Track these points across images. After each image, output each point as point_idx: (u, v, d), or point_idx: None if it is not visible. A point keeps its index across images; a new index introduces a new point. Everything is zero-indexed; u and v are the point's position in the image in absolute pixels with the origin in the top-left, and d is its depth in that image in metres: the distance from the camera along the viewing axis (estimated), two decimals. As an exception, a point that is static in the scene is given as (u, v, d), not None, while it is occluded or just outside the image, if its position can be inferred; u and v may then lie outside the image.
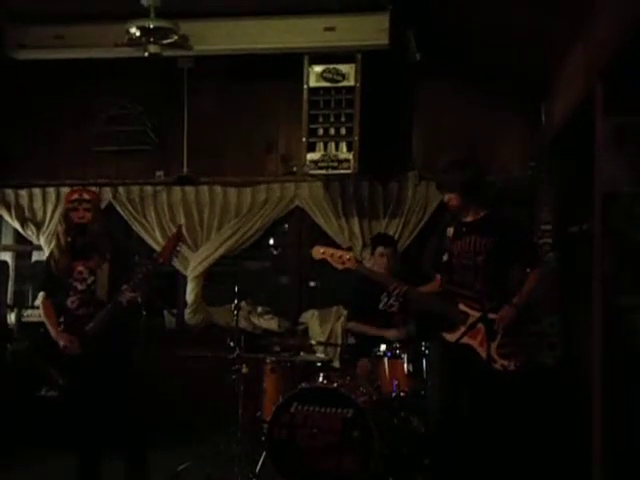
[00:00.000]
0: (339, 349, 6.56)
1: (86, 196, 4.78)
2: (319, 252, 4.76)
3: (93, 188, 6.68)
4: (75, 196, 4.77)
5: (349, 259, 4.66)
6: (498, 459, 4.42)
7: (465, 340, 4.36)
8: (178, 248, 4.80)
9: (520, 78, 6.07)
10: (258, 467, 5.18)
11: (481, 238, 4.51)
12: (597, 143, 3.96)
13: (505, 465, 4.53)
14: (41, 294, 4.93)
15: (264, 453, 5.14)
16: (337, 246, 6.08)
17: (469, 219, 4.62)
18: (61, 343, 4.64)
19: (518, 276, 4.50)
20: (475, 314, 4.40)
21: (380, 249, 5.89)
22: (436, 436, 4.63)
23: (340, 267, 4.68)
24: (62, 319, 4.76)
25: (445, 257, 4.63)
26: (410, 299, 4.65)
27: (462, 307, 4.51)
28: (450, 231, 4.63)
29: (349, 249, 5.13)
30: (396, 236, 6.62)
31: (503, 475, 4.57)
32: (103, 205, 7.00)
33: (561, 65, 5.23)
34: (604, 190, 3.90)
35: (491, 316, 4.31)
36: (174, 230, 6.93)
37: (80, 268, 4.73)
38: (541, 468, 5.05)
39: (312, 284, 7.15)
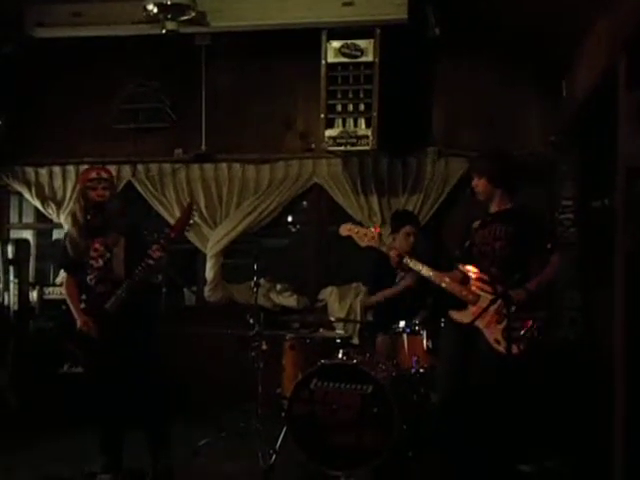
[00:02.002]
0: (358, 325, 6.58)
1: (104, 175, 4.79)
2: (345, 229, 4.90)
3: (112, 167, 6.72)
4: (94, 175, 4.78)
5: (373, 237, 4.79)
6: (505, 441, 4.44)
7: (472, 319, 4.42)
8: (190, 222, 4.81)
9: (541, 53, 6.00)
10: (278, 443, 5.21)
11: (502, 226, 4.58)
12: (620, 117, 3.91)
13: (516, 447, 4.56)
14: (63, 273, 4.96)
15: (284, 429, 5.17)
16: (357, 224, 6.28)
17: (493, 210, 4.69)
18: (78, 323, 4.67)
19: (538, 260, 4.51)
20: (486, 296, 4.43)
21: (407, 228, 5.86)
22: (443, 414, 4.67)
23: (363, 244, 4.81)
24: (84, 297, 4.79)
25: (467, 244, 4.68)
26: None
27: (474, 288, 4.54)
28: (476, 224, 4.70)
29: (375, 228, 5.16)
30: (415, 212, 6.60)
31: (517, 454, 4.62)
32: (122, 183, 7.06)
33: (583, 39, 5.16)
34: (627, 164, 3.85)
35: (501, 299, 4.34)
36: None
37: (97, 245, 4.74)
38: (562, 446, 5.08)
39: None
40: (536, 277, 4.45)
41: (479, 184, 4.68)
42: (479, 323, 4.45)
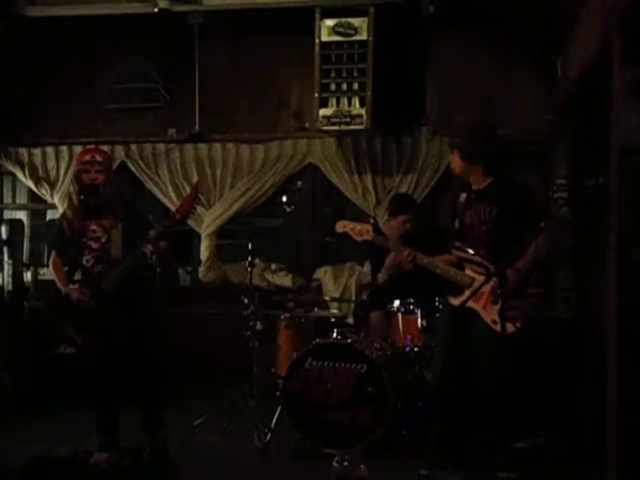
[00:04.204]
0: (353, 305, 6.59)
1: (98, 157, 4.78)
2: (341, 226, 4.96)
3: (105, 147, 6.70)
4: (87, 157, 4.77)
5: (367, 231, 4.85)
6: (500, 418, 4.48)
7: (469, 304, 4.46)
8: (195, 205, 4.82)
9: (535, 31, 5.98)
10: (273, 422, 5.24)
11: (487, 207, 4.57)
12: (614, 95, 3.90)
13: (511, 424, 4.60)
14: (52, 253, 4.97)
15: (279, 408, 5.20)
16: (352, 204, 6.79)
17: (476, 187, 4.67)
18: (73, 297, 4.68)
19: (528, 237, 4.51)
20: (480, 278, 4.45)
21: (404, 217, 5.85)
22: (438, 394, 4.70)
23: (359, 239, 4.89)
24: (79, 277, 4.80)
25: (457, 225, 4.69)
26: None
27: (468, 272, 4.57)
28: (463, 197, 4.72)
29: (369, 223, 5.19)
30: (410, 192, 6.60)
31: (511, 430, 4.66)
32: (116, 163, 7.02)
33: (578, 16, 5.14)
34: (621, 142, 3.84)
35: (495, 280, 4.39)
36: (188, 188, 6.98)
37: (94, 227, 4.76)
38: (556, 423, 5.12)
39: (328, 239, 7.15)
40: (524, 255, 4.44)
41: (452, 159, 4.72)
42: (475, 305, 4.49)
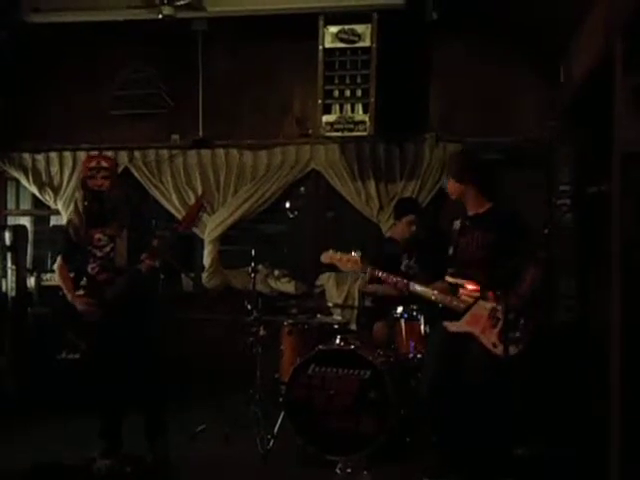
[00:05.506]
0: (356, 311, 6.59)
1: (104, 163, 4.79)
2: (327, 257, 4.98)
3: (109, 153, 6.71)
4: (93, 164, 4.78)
5: (355, 262, 4.85)
6: (500, 426, 4.46)
7: (466, 328, 4.47)
8: (199, 215, 4.82)
9: (538, 37, 5.98)
10: (276, 428, 5.24)
11: (484, 233, 4.57)
12: (616, 102, 3.90)
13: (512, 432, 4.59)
14: (58, 259, 4.97)
15: (282, 414, 5.20)
16: (355, 209, 6.82)
17: (472, 213, 4.69)
18: (78, 307, 4.69)
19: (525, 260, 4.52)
20: (471, 302, 4.47)
21: (410, 217, 5.89)
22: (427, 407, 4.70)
23: (346, 269, 4.95)
24: (84, 285, 4.80)
25: (451, 251, 4.71)
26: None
27: (464, 297, 4.56)
28: (457, 224, 4.73)
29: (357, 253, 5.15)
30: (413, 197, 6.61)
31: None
32: (119, 169, 7.02)
33: (580, 23, 5.14)
34: (623, 150, 3.84)
35: (493, 304, 4.42)
36: (191, 194, 7.00)
37: (98, 235, 4.77)
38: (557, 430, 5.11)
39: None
40: (524, 282, 4.45)
41: (448, 186, 4.72)
42: (473, 329, 4.47)
